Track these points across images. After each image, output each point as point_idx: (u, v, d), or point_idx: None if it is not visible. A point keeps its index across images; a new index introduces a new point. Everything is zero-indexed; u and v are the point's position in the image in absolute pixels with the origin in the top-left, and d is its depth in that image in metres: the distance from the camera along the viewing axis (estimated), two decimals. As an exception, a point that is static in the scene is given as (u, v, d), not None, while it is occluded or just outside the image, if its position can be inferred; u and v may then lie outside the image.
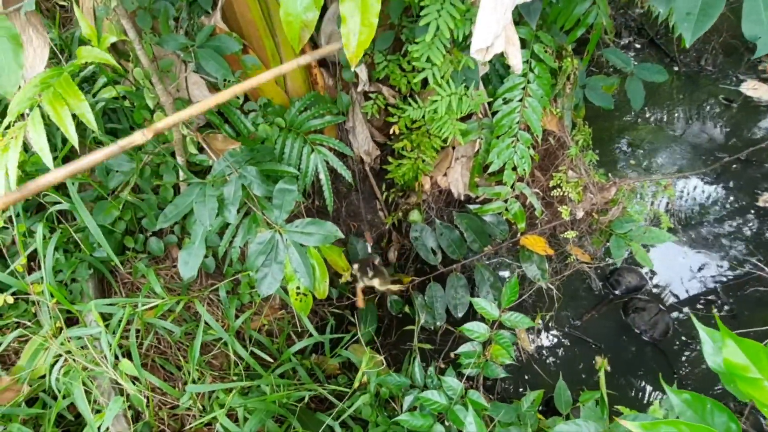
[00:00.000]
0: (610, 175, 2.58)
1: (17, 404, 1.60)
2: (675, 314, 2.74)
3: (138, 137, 0.86)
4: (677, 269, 2.96)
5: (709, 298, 2.86)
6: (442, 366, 2.26)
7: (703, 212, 3.16)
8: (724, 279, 2.89)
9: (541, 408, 2.23)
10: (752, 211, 3.12)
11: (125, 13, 1.43)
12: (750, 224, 3.09)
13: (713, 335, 0.76)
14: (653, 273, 2.93)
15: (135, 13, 1.53)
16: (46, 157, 1.28)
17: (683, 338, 2.68)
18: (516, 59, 1.27)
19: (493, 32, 1.13)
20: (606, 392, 1.55)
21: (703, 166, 3.34)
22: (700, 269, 2.96)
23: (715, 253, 2.99)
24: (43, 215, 1.81)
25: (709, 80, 4.04)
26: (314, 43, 2.05)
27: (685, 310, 2.79)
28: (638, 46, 4.33)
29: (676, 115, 3.79)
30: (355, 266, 2.18)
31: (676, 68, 4.14)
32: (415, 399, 1.76)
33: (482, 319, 1.89)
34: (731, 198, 3.22)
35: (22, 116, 1.43)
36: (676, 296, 2.85)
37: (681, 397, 0.74)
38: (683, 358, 2.64)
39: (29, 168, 1.66)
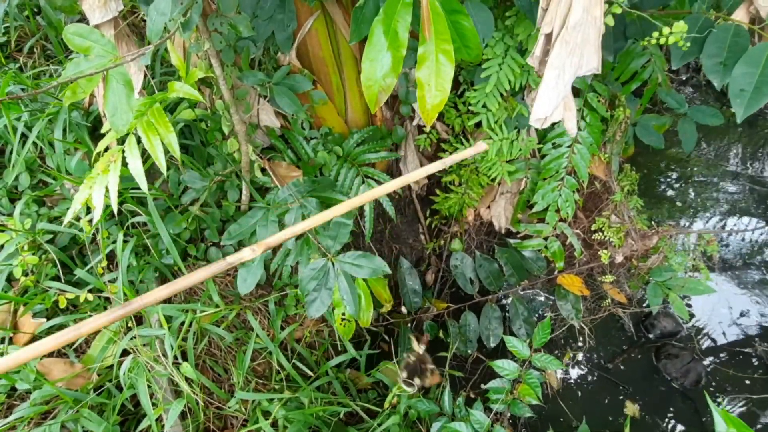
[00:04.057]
0: (653, 222, 2.60)
1: (86, 390, 1.79)
2: (708, 364, 2.72)
3: (247, 254, 0.84)
4: (716, 317, 2.92)
5: (746, 350, 2.82)
6: (472, 396, 2.34)
7: (751, 259, 3.10)
8: (765, 333, 2.84)
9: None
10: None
11: (214, 52, 1.59)
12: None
13: (725, 416, 0.83)
14: (691, 319, 2.91)
15: (221, 51, 1.68)
16: (141, 182, 1.44)
17: (715, 390, 2.67)
18: (571, 123, 1.35)
19: (553, 104, 1.22)
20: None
21: (755, 212, 3.27)
22: (739, 320, 2.91)
23: (759, 305, 2.94)
24: (120, 221, 2.00)
25: (768, 124, 3.94)
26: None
27: (720, 360, 2.76)
28: (696, 83, 4.25)
29: (731, 157, 3.71)
30: (403, 373, 1.92)
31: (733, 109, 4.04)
32: (442, 427, 1.85)
33: (512, 356, 1.96)
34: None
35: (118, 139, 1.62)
36: (712, 345, 2.83)
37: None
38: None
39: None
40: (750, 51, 1.41)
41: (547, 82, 1.14)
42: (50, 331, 1.86)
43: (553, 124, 2.26)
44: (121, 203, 1.95)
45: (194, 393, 1.78)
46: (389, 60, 1.12)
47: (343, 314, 1.68)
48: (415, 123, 2.26)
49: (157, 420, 1.78)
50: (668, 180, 3.54)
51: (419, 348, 2.00)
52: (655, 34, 1.21)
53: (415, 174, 1.05)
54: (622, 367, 2.78)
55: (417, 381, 1.89)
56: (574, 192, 2.23)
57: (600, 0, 1.07)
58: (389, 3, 1.11)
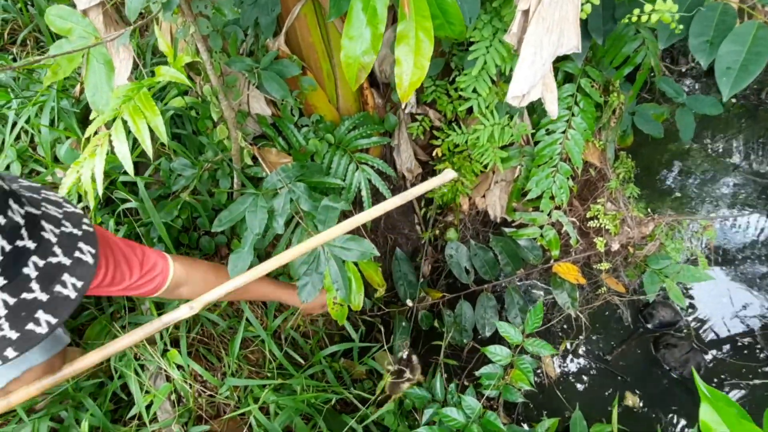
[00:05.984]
0: (649, 210, 2.57)
1: (84, 379, 1.79)
2: (708, 354, 2.70)
3: (184, 312, 0.83)
4: (716, 308, 2.90)
5: (746, 341, 2.79)
6: (465, 383, 2.33)
7: (751, 251, 3.07)
8: (766, 323, 2.81)
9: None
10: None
11: (200, 37, 1.58)
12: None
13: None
14: (690, 309, 2.88)
15: (208, 36, 1.68)
16: (128, 165, 1.45)
17: (714, 379, 2.64)
18: (552, 105, 1.33)
19: (530, 82, 1.21)
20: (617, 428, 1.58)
21: (756, 204, 3.24)
22: (740, 310, 2.88)
23: (760, 295, 2.91)
24: (112, 209, 2.00)
25: (770, 114, 3.89)
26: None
27: (720, 351, 2.74)
28: (697, 74, 4.21)
29: (731, 147, 3.67)
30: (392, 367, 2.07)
31: (733, 99, 4.00)
32: (434, 413, 1.84)
33: (506, 343, 1.95)
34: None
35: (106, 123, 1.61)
36: (712, 336, 2.80)
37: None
38: (712, 400, 2.60)
39: (107, 167, 1.85)
40: (736, 29, 1.39)
41: (524, 59, 1.13)
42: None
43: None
44: (111, 190, 1.96)
45: (185, 380, 1.78)
46: (368, 36, 1.12)
47: (335, 298, 1.68)
48: (407, 110, 2.25)
49: (148, 407, 1.78)
50: (669, 171, 3.51)
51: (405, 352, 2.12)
52: (636, 11, 1.19)
53: (378, 208, 1.26)
54: (621, 358, 2.76)
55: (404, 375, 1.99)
56: (568, 179, 2.21)
57: (579, -26, 1.06)
58: (368, -22, 1.09)
